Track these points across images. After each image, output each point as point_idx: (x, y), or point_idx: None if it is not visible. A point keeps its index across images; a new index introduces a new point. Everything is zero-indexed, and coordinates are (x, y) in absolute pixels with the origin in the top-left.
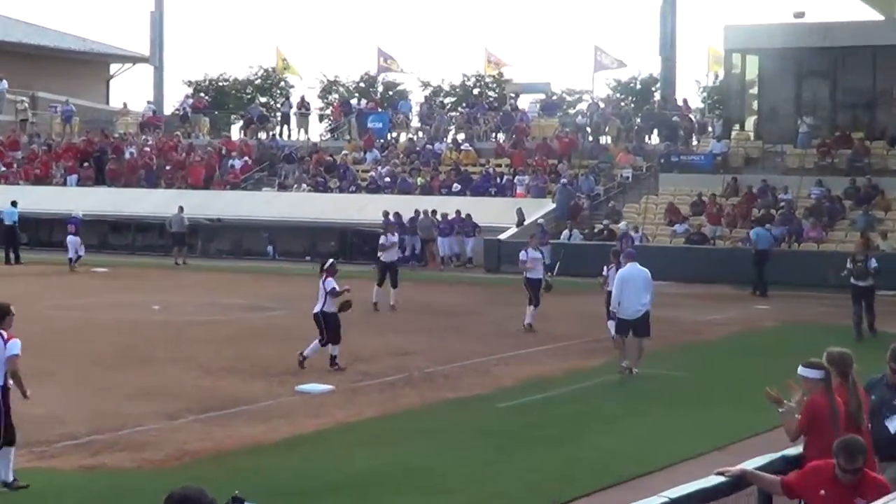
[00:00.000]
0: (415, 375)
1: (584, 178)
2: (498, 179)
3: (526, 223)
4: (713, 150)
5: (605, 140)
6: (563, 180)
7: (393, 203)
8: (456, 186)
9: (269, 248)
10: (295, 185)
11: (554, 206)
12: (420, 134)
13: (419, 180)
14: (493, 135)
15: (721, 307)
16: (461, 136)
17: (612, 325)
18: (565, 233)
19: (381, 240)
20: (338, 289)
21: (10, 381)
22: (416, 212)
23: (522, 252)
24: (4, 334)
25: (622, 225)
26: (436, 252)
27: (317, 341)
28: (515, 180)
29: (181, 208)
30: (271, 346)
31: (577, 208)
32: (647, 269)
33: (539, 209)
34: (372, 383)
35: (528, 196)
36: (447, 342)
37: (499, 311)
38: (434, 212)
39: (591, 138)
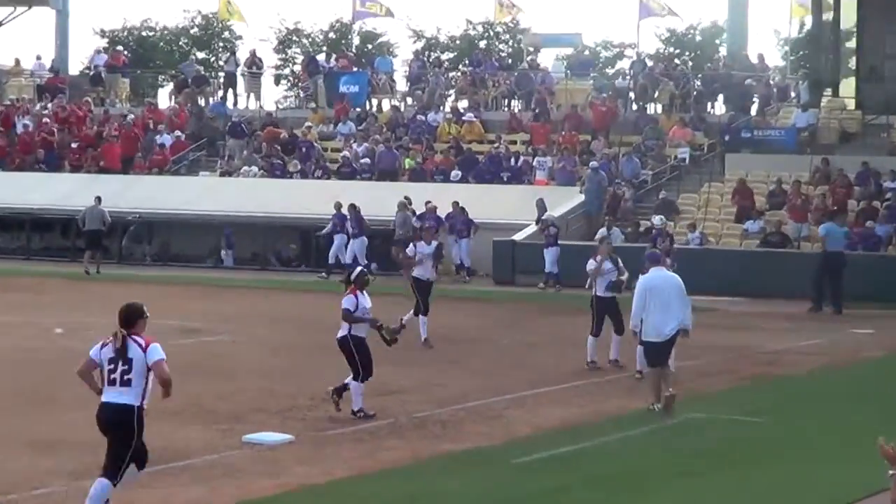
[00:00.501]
0: (402, 421)
1: (625, 159)
2: (512, 161)
3: (548, 217)
4: (797, 122)
5: (653, 109)
6: (594, 163)
7: (373, 192)
8: (455, 174)
9: (226, 253)
10: (243, 169)
11: (583, 196)
12: (409, 101)
13: (407, 162)
14: (506, 102)
15: (807, 331)
16: (463, 104)
17: (591, 344)
18: (601, 231)
19: (410, 250)
20: (360, 313)
21: (146, 401)
22: (403, 203)
23: (591, 261)
24: (141, 340)
25: (656, 220)
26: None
27: (354, 382)
28: (535, 162)
29: (98, 199)
30: (211, 382)
31: (616, 200)
32: (677, 276)
33: (566, 200)
34: (345, 432)
35: (551, 183)
36: (445, 377)
37: (512, 335)
38: (408, 202)
39: (635, 107)
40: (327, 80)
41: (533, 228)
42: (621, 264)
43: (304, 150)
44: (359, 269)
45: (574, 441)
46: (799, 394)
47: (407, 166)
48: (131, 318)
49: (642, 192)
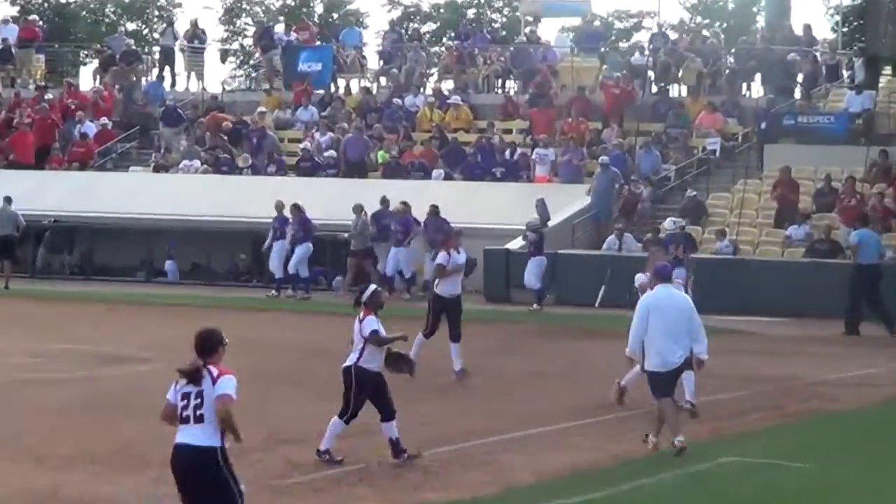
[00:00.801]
0: (376, 467)
1: (643, 151)
2: (507, 154)
3: (531, 221)
4: (850, 106)
5: (677, 91)
6: (605, 158)
7: (339, 191)
8: (438, 171)
9: (170, 264)
10: (182, 163)
11: (591, 197)
12: (382, 81)
13: (381, 155)
14: (500, 83)
15: (864, 357)
16: (448, 86)
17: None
18: (610, 239)
19: (441, 258)
20: (384, 333)
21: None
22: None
23: (640, 275)
24: (214, 371)
25: (667, 223)
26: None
27: (336, 418)
28: (535, 155)
29: (8, 200)
30: (143, 422)
31: (631, 200)
32: (686, 296)
33: (573, 201)
34: (303, 480)
35: (554, 180)
36: (428, 413)
37: (507, 364)
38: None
39: (654, 88)
40: (284, 57)
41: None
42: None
43: (255, 140)
44: (372, 287)
45: (582, 490)
46: (850, 433)
47: (380, 160)
48: (210, 346)
49: (663, 190)
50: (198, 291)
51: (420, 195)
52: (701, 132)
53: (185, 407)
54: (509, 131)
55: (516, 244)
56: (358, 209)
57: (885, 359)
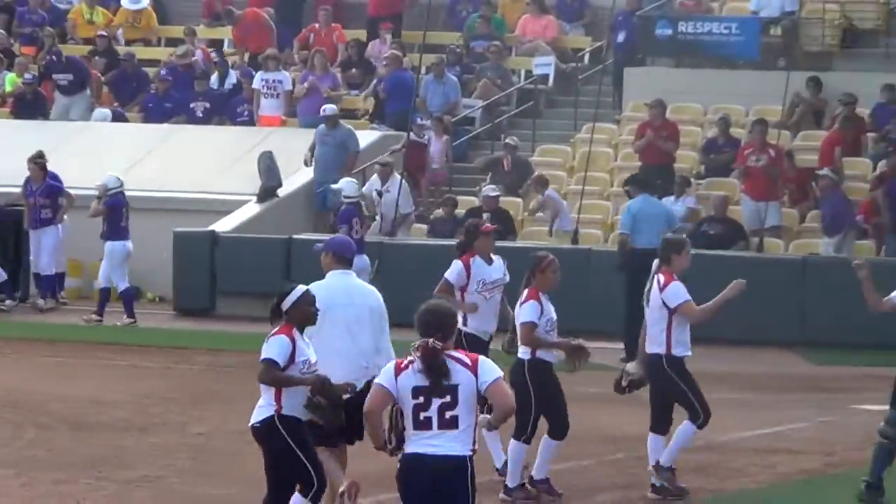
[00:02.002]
0: None
1: (431, 78)
2: (214, 80)
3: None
4: (761, 7)
5: None
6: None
7: None
8: (104, 111)
9: None
10: None
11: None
12: None
13: (10, 80)
14: None
15: (783, 406)
16: None
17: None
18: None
19: (458, 275)
20: (299, 369)
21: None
22: None
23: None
24: (465, 357)
25: (344, 186)
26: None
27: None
28: (258, 82)
29: None
30: None
31: (416, 156)
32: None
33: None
34: None
35: (289, 122)
36: None
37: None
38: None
39: None
40: None
41: (256, 208)
42: None
43: None
44: (299, 288)
45: None
46: None
47: (7, 87)
48: (445, 325)
49: (464, 140)
50: None
51: (71, 144)
52: (523, 48)
53: (424, 407)
54: (217, 43)
55: (230, 224)
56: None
57: (813, 408)
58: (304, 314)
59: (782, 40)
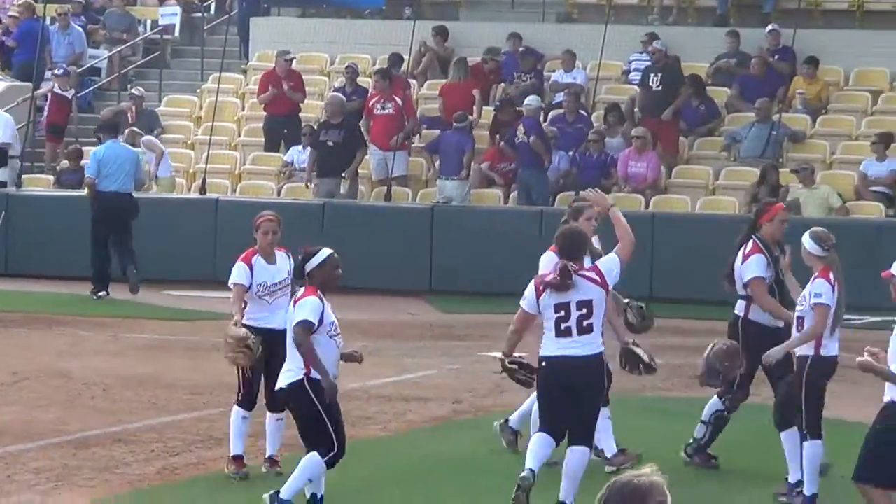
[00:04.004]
0: None
1: (57, 31)
2: None
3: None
4: None
5: None
6: None
7: None
8: None
9: None
10: None
11: None
12: None
13: None
14: None
15: (412, 351)
16: None
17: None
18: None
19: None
20: (325, 331)
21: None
22: None
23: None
24: (591, 273)
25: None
26: None
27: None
28: None
29: None
30: None
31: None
32: None
33: None
34: None
35: None
36: None
37: None
38: None
39: None
40: None
41: None
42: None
43: None
44: (324, 251)
45: None
46: None
47: None
48: (576, 247)
49: (90, 91)
50: None
51: None
52: None
53: (564, 318)
54: None
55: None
56: None
57: (442, 356)
58: (328, 276)
59: None
